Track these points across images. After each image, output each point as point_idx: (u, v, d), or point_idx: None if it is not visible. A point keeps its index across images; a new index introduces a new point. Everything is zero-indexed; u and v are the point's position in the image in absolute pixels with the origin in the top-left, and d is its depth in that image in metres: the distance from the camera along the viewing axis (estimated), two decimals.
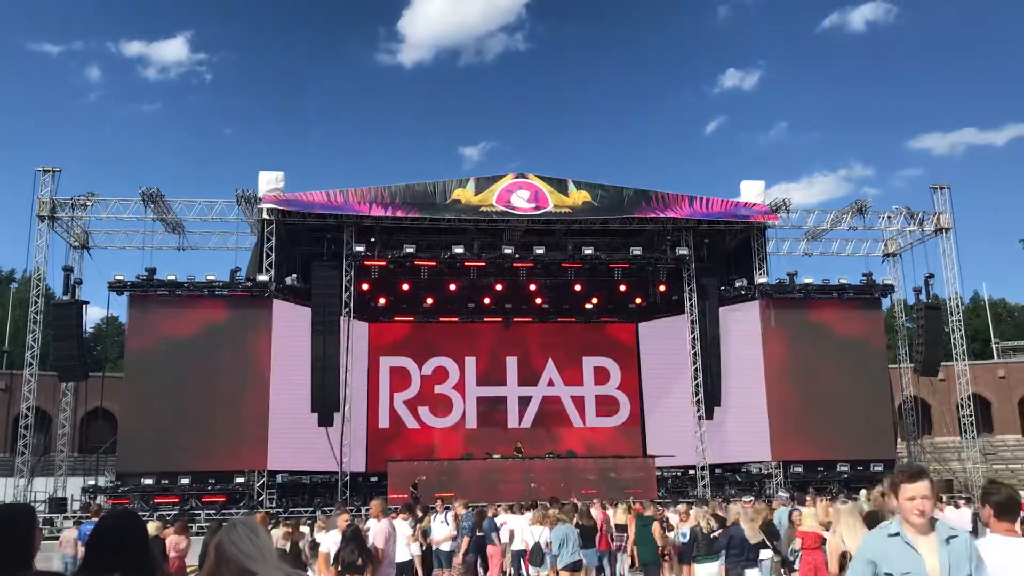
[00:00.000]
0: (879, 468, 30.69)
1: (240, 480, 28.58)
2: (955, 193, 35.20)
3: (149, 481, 28.08)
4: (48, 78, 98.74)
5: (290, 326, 30.29)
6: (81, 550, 13.10)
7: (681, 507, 16.93)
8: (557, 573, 13.01)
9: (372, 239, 31.11)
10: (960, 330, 35.31)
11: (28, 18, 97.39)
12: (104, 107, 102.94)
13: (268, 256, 30.17)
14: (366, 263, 31.09)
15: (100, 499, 26.72)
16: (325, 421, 29.87)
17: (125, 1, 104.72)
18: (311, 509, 26.82)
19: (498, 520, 17.27)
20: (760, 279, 32.78)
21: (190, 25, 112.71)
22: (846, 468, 30.80)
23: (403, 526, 13.21)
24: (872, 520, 11.28)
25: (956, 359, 35.10)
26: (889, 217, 35.18)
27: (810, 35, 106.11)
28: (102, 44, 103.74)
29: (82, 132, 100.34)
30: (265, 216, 30.35)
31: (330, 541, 10.46)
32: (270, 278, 29.84)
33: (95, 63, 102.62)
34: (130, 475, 28.41)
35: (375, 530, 10.51)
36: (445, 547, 14.94)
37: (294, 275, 30.90)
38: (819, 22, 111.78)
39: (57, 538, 17.54)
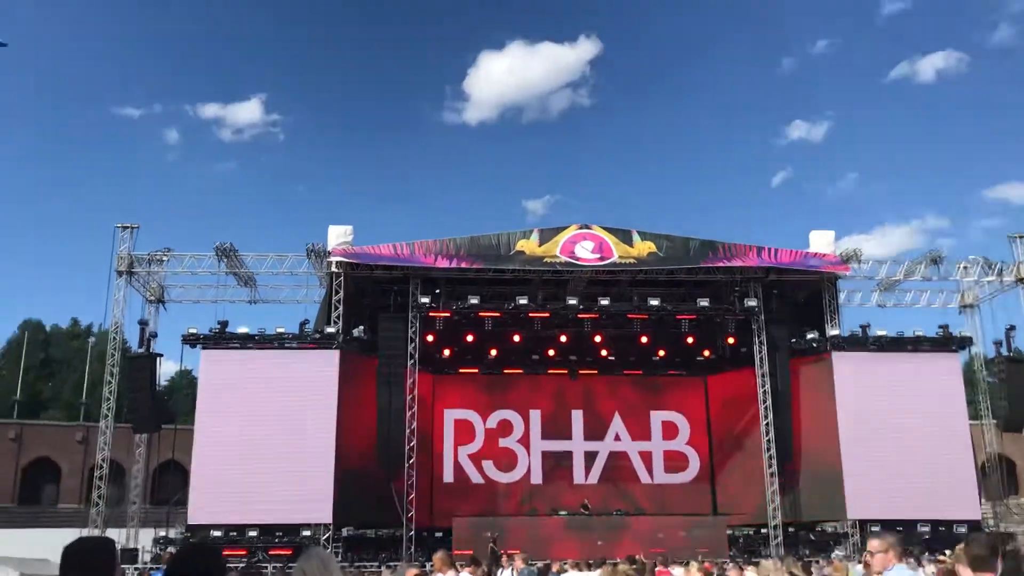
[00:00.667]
0: (963, 529, 29.33)
1: (307, 533, 28.58)
2: None
3: (218, 533, 28.26)
4: (130, 140, 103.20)
5: (357, 378, 30.49)
6: None
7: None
8: None
9: (437, 291, 31.29)
10: None
11: (113, 83, 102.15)
12: (182, 167, 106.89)
13: (336, 308, 30.55)
14: (431, 314, 31.21)
15: (170, 550, 26.98)
16: (391, 475, 29.81)
17: (203, 66, 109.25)
18: (376, 564, 26.65)
19: None
20: (832, 331, 31.98)
21: (264, 87, 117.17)
22: (927, 528, 29.48)
23: None
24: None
25: None
26: (965, 267, 34.15)
27: (878, 85, 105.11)
28: (180, 107, 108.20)
29: (160, 190, 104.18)
30: (334, 269, 30.81)
31: None
32: (338, 330, 30.15)
33: (174, 125, 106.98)
34: (200, 527, 28.66)
35: None
36: None
37: (361, 327, 31.18)
38: (887, 72, 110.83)
39: None
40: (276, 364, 29.98)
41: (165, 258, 32.30)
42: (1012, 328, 33.43)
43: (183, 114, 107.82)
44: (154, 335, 31.96)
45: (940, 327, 32.41)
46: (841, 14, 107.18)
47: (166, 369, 46.90)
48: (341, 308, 30.52)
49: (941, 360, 31.93)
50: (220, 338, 30.27)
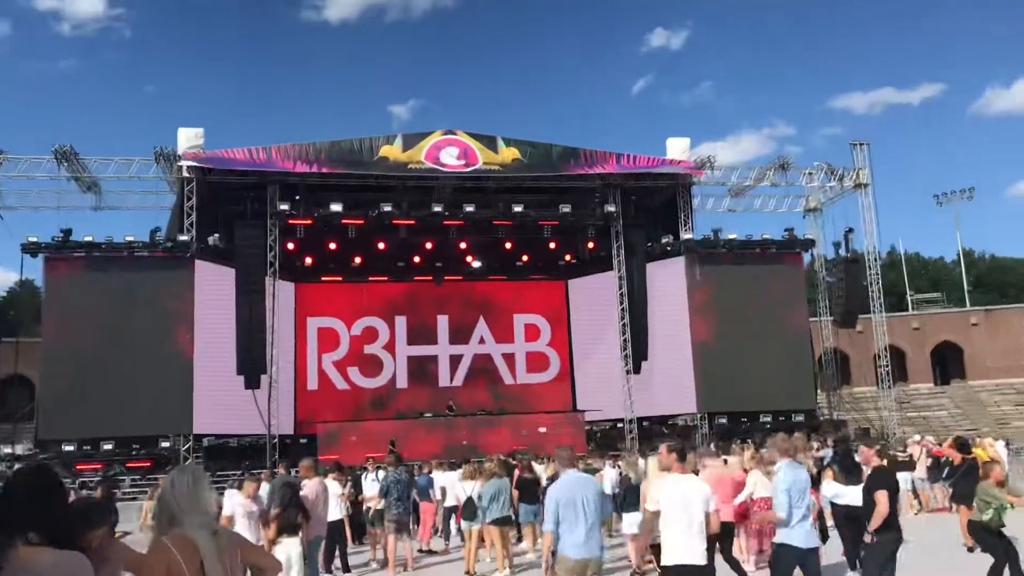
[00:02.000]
0: (800, 418, 31.74)
1: (165, 444, 28.00)
2: (873, 151, 35.86)
3: (71, 447, 27.29)
4: None
5: (213, 287, 29.59)
6: None
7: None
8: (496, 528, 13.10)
9: (297, 197, 30.44)
10: (877, 283, 36.39)
11: None
12: (13, 62, 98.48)
13: (189, 215, 29.31)
14: (291, 222, 30.43)
15: (17, 467, 25.91)
16: (252, 384, 29.40)
17: None
18: (239, 472, 26.46)
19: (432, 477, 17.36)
20: (686, 235, 33.18)
21: None
22: (768, 419, 31.63)
23: (335, 486, 13.13)
24: None
25: (873, 312, 36.22)
26: (810, 173, 35.86)
27: None
28: None
29: None
30: (185, 174, 29.45)
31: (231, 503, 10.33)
32: (191, 238, 29.02)
33: (4, 17, 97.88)
34: (50, 442, 27.58)
35: (306, 487, 10.49)
36: (377, 506, 14.88)
37: (216, 235, 30.10)
38: None
39: None
40: (126, 274, 28.68)
41: None
42: (851, 230, 35.58)
43: (14, 5, 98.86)
44: None
45: (786, 230, 34.20)
46: None
47: (4, 279, 44.18)
48: (194, 215, 29.28)
49: (786, 262, 33.78)
50: (64, 247, 28.64)
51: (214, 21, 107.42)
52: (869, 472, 8.95)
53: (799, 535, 7.49)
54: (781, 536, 7.58)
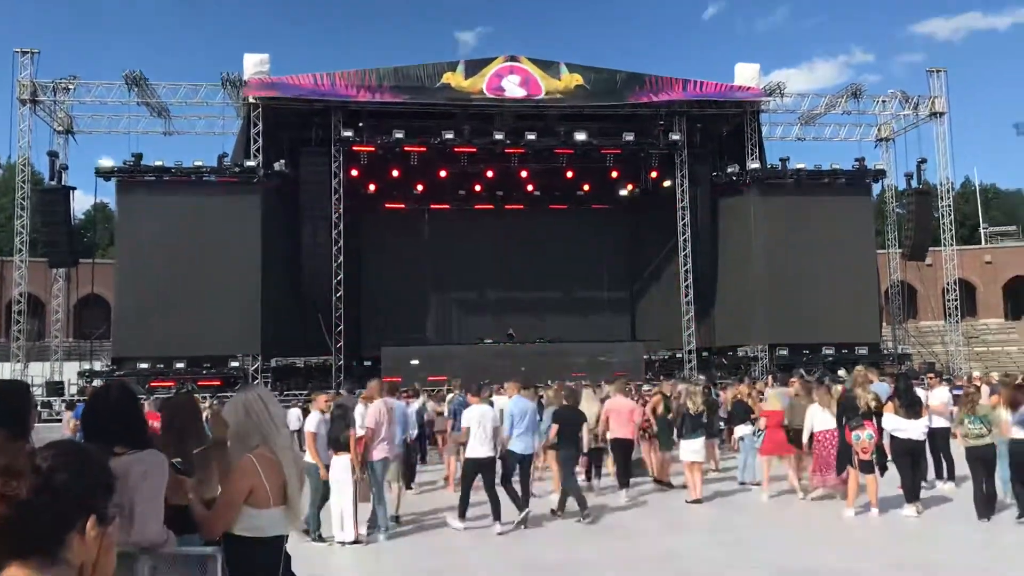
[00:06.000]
0: (863, 351, 31.20)
1: (235, 364, 28.88)
2: (954, 79, 34.71)
3: (144, 365, 28.32)
4: None
5: (279, 212, 30.08)
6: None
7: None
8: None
9: (360, 124, 30.50)
10: (949, 215, 35.33)
11: None
12: None
13: (255, 142, 29.63)
14: (355, 149, 30.59)
15: (96, 383, 27.03)
16: (318, 307, 30.02)
17: None
18: (306, 392, 27.20)
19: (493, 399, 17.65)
20: (752, 164, 32.45)
21: None
22: (831, 351, 31.25)
23: (405, 407, 13.26)
24: (848, 400, 11.59)
25: (944, 244, 35.24)
26: (884, 101, 34.65)
27: None
28: None
29: (60, 12, 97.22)
30: (251, 100, 29.70)
31: (313, 420, 10.53)
32: (257, 164, 29.35)
33: None
34: (125, 359, 28.65)
35: (369, 410, 10.60)
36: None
37: (282, 161, 30.40)
38: None
39: (58, 420, 17.82)
40: (195, 198, 29.24)
41: (71, 86, 30.62)
42: (923, 161, 34.47)
43: None
44: (65, 167, 30.66)
45: (856, 160, 33.16)
46: None
47: (80, 203, 45.43)
48: (260, 141, 29.61)
49: (855, 193, 32.89)
50: (135, 171, 29.27)
51: None
52: None
53: None
54: None
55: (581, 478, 12.96)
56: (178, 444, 4.07)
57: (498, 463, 11.01)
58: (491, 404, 11.87)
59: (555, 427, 11.86)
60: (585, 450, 12.84)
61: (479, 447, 10.68)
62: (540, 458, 13.95)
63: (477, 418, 10.75)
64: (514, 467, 11.16)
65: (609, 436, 13.17)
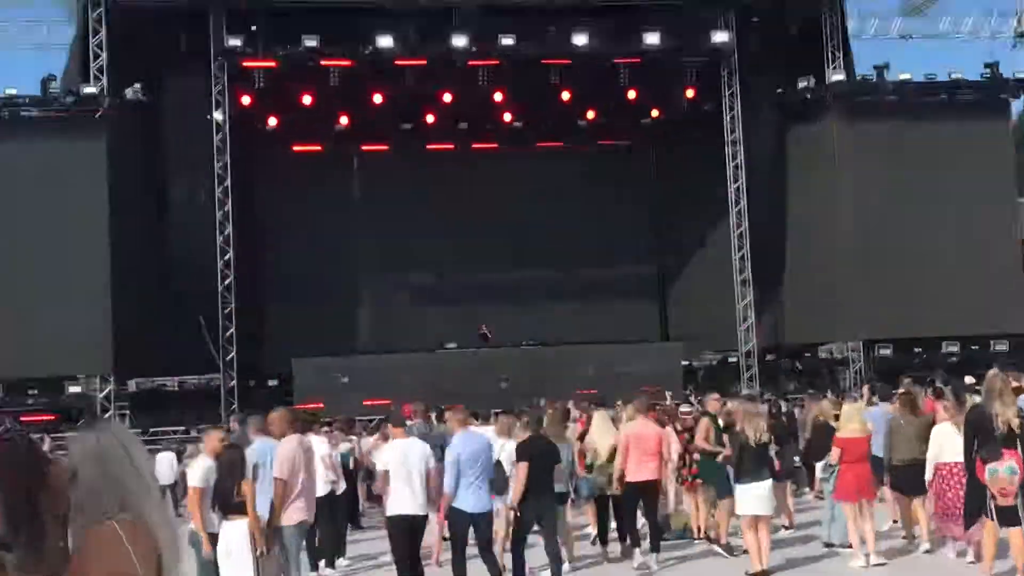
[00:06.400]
0: (1002, 347, 31.27)
1: (75, 390, 28.68)
2: None
3: None
4: None
5: (134, 161, 29.93)
6: None
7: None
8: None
9: (253, 28, 30.32)
10: None
11: None
12: None
13: (97, 57, 29.39)
14: (245, 64, 30.48)
15: None
16: (197, 303, 29.86)
17: None
18: (181, 428, 27.04)
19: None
20: (836, 76, 32.44)
21: None
22: (955, 348, 31.37)
23: (322, 446, 13.20)
24: (979, 420, 11.53)
25: None
26: None
27: None
28: None
29: None
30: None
31: (199, 471, 10.42)
32: (101, 90, 29.13)
33: None
34: None
35: (279, 453, 10.47)
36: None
37: (138, 85, 30.16)
38: None
39: None
40: (8, 144, 29.01)
41: None
42: None
43: None
44: None
45: (987, 66, 33.19)
46: None
47: None
48: (104, 55, 29.35)
49: (986, 114, 32.99)
50: None
51: None
52: None
53: None
54: None
55: (590, 539, 12.88)
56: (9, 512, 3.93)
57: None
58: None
59: (522, 467, 11.65)
60: (584, 494, 12.86)
61: (404, 501, 10.61)
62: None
63: (400, 458, 10.71)
64: (464, 532, 11.06)
65: (628, 478, 13.07)
